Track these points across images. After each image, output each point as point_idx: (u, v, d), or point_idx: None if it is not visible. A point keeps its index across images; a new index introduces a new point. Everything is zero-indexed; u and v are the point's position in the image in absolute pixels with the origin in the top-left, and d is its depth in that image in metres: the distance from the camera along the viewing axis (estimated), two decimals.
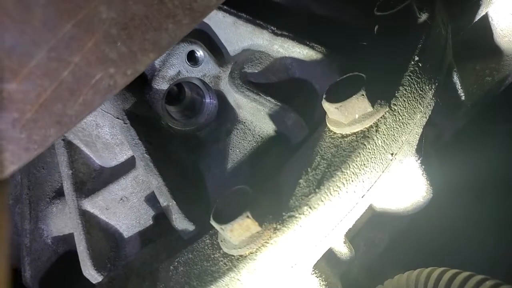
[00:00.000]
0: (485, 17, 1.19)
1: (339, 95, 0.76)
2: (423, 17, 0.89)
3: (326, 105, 0.77)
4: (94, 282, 0.95)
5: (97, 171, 1.01)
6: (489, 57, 1.25)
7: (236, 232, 0.69)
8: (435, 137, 1.03)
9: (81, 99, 0.57)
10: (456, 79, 1.03)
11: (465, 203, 1.03)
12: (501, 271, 0.77)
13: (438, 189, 0.89)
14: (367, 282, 0.90)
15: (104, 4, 0.53)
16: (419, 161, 0.84)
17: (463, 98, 1.09)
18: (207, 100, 1.03)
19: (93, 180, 1.00)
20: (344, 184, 0.72)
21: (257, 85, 0.96)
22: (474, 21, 1.14)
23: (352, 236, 0.89)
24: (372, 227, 0.94)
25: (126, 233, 1.00)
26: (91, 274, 0.93)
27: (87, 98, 0.57)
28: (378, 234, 0.94)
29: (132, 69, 0.58)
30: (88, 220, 0.97)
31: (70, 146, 1.00)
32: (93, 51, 0.55)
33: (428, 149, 0.90)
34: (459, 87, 1.07)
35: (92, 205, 0.98)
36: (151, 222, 0.99)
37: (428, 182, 0.87)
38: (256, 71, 0.97)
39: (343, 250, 0.83)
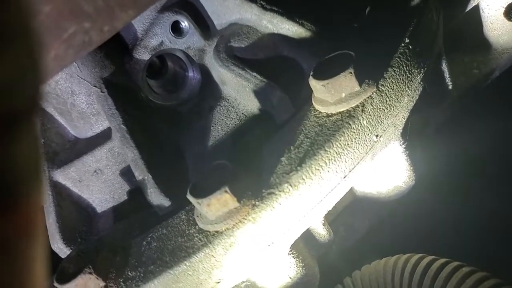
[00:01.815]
0: (477, 9, 1.18)
1: (326, 72, 0.74)
2: (416, 0, 0.87)
3: (313, 82, 0.74)
4: (62, 257, 0.91)
5: (71, 142, 0.97)
6: (478, 49, 1.24)
7: (213, 207, 0.67)
8: (421, 125, 1.02)
9: (52, 53, 0.52)
10: (444, 67, 1.02)
11: (445, 191, 1.03)
12: (477, 258, 0.77)
13: (419, 176, 0.88)
14: (344, 266, 0.90)
15: None
16: (403, 146, 0.83)
17: (450, 88, 1.08)
18: (190, 74, 0.99)
19: (66, 151, 0.96)
20: (326, 163, 0.70)
21: (243, 60, 0.93)
22: (466, 11, 1.13)
23: (331, 220, 0.88)
24: (353, 212, 0.93)
25: (99, 208, 0.96)
26: (60, 248, 0.90)
27: (58, 52, 0.53)
28: (358, 220, 0.93)
29: (109, 25, 0.54)
30: (59, 192, 0.92)
31: (42, 113, 0.95)
32: (67, 2, 0.51)
33: (413, 135, 0.89)
34: (447, 77, 1.06)
35: (64, 177, 0.93)
36: (125, 197, 0.95)
37: (411, 168, 0.86)
38: (243, 46, 0.94)
39: (322, 232, 0.82)
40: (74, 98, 0.91)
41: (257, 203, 0.68)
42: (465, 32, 1.23)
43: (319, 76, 0.74)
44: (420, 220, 1.00)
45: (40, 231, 0.25)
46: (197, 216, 0.72)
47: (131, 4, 0.54)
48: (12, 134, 0.22)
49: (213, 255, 0.68)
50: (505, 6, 1.16)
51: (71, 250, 0.91)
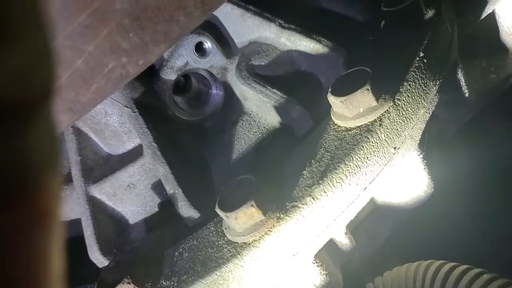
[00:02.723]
0: (492, 14, 1.19)
1: (344, 88, 0.78)
2: (430, 13, 0.90)
3: (331, 98, 0.78)
4: (100, 266, 0.97)
5: (104, 158, 1.04)
6: (495, 54, 1.25)
7: (240, 220, 0.71)
8: (439, 132, 1.04)
9: (93, 87, 0.58)
10: (460, 75, 1.03)
11: (466, 197, 1.04)
12: (499, 265, 0.79)
13: (439, 182, 0.90)
14: (366, 273, 0.92)
15: None
16: (421, 156, 0.86)
17: (467, 94, 1.09)
18: (214, 91, 1.05)
19: (100, 167, 1.02)
20: (347, 176, 0.73)
21: (263, 77, 0.97)
22: (481, 18, 1.14)
23: (353, 228, 0.91)
24: (373, 220, 0.95)
25: (132, 219, 1.02)
26: (98, 258, 0.96)
27: (99, 86, 0.58)
28: (379, 227, 0.96)
29: (143, 59, 0.59)
30: (95, 206, 0.99)
31: (79, 133, 1.02)
32: (107, 40, 0.56)
33: (431, 143, 0.91)
34: (464, 83, 1.08)
35: (100, 191, 1.00)
36: (157, 209, 1.01)
37: (430, 176, 0.89)
38: (263, 63, 0.99)
39: (344, 241, 0.85)
40: (107, 118, 0.98)
41: (281, 215, 0.72)
42: (481, 38, 1.24)
43: (337, 93, 0.78)
44: (441, 226, 1.02)
45: (56, 223, 0.24)
46: (225, 228, 0.77)
47: (163, 38, 0.60)
48: (24, 125, 0.21)
49: (241, 265, 0.73)
50: None
51: (107, 260, 0.97)
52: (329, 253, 0.82)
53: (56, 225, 0.24)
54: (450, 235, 1.00)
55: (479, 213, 1.01)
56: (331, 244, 0.83)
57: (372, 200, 0.93)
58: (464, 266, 0.78)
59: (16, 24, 0.21)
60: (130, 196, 1.00)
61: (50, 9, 0.24)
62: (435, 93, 0.83)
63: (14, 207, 0.21)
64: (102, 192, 1.00)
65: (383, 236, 0.94)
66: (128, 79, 0.60)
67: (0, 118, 0.20)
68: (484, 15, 1.14)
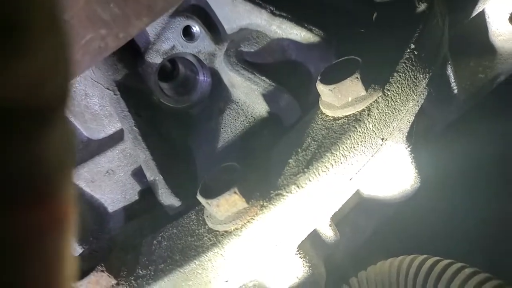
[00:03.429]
0: (482, 14, 1.19)
1: (333, 77, 0.76)
2: (422, 6, 0.89)
3: (320, 87, 0.76)
4: (75, 255, 0.94)
5: (84, 143, 1.00)
6: (483, 54, 1.25)
7: (222, 207, 0.69)
8: (426, 127, 1.03)
9: None
10: (450, 72, 1.03)
11: (450, 193, 1.04)
12: (482, 259, 0.79)
13: (425, 178, 0.89)
14: (350, 267, 0.91)
15: None
16: (408, 149, 0.85)
17: (455, 92, 1.09)
18: (201, 77, 1.02)
19: (79, 151, 0.99)
20: (332, 165, 0.71)
21: (252, 64, 0.95)
22: (471, 16, 1.14)
23: (338, 221, 0.89)
24: (359, 213, 0.94)
25: (111, 207, 0.99)
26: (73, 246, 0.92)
27: (76, 58, 0.55)
28: (364, 220, 0.95)
29: (124, 32, 0.56)
30: None
31: None
32: (85, 10, 0.53)
33: (419, 138, 0.90)
34: (453, 81, 1.08)
35: (77, 177, 0.96)
36: (137, 197, 0.98)
37: (416, 170, 0.88)
38: (252, 50, 0.96)
39: (328, 233, 0.83)
40: (87, 100, 0.94)
41: (265, 203, 0.70)
42: (471, 37, 1.24)
43: (326, 81, 0.76)
44: (425, 220, 1.01)
45: (70, 227, 0.24)
46: (207, 216, 0.75)
47: (146, 11, 0.57)
48: (42, 129, 0.22)
49: (222, 254, 0.70)
50: (510, 12, 1.17)
51: (83, 248, 0.94)
52: (312, 244, 0.81)
53: (71, 228, 0.24)
54: (434, 230, 1.00)
55: (465, 209, 1.01)
56: (315, 236, 0.81)
57: (357, 193, 0.91)
58: (447, 261, 0.78)
59: (36, 29, 0.21)
60: (109, 183, 0.97)
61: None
62: (424, 86, 0.82)
63: (29, 210, 0.21)
64: (80, 177, 0.96)
65: (368, 229, 0.93)
66: (107, 52, 0.57)
67: (18, 121, 0.21)
68: (474, 13, 1.14)
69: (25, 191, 0.21)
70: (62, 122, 0.23)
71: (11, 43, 0.20)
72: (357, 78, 0.74)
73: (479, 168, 1.05)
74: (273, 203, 0.69)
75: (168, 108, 1.01)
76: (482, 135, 1.11)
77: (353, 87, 0.74)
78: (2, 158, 0.20)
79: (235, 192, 0.68)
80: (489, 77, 1.23)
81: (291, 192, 0.69)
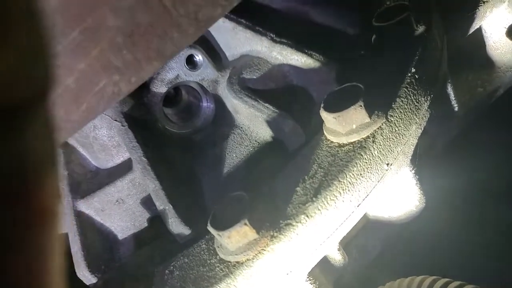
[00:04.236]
0: (479, 30, 1.21)
1: (337, 104, 0.77)
2: (420, 29, 0.91)
3: (324, 114, 0.78)
4: (87, 284, 0.95)
5: (93, 172, 1.01)
6: (482, 68, 1.27)
7: (233, 238, 0.70)
8: (428, 146, 1.05)
9: (84, 106, 0.57)
10: (450, 89, 1.05)
11: (458, 212, 1.05)
12: (490, 280, 0.80)
13: (430, 198, 0.91)
14: None
15: (111, 12, 0.53)
16: (413, 171, 0.86)
17: (455, 108, 1.11)
18: (204, 103, 1.03)
19: (88, 181, 1.00)
20: (340, 193, 0.73)
21: (255, 91, 0.97)
22: (469, 33, 1.16)
23: (345, 243, 0.90)
24: (365, 234, 0.95)
25: (121, 235, 1.00)
26: (85, 275, 0.93)
27: (90, 104, 0.57)
28: (370, 241, 0.96)
29: (136, 76, 0.58)
30: (83, 221, 0.96)
31: (66, 147, 0.99)
32: (98, 58, 0.55)
33: (421, 157, 0.92)
34: (453, 97, 1.09)
35: (87, 206, 0.97)
36: (146, 224, 0.99)
37: (421, 192, 0.89)
38: (254, 77, 0.98)
39: (337, 257, 0.85)
40: (96, 132, 0.96)
41: (275, 234, 0.71)
42: (469, 52, 1.26)
43: (330, 109, 0.77)
44: (433, 241, 1.02)
45: (55, 221, 0.24)
46: (218, 246, 0.76)
47: (156, 55, 0.59)
48: (23, 123, 0.21)
49: (234, 285, 0.71)
50: (507, 26, 1.19)
51: (95, 277, 0.95)
52: (322, 270, 0.82)
53: (56, 222, 0.24)
54: (442, 250, 1.01)
55: (471, 228, 1.02)
56: (324, 261, 0.82)
57: (364, 215, 0.93)
58: (457, 282, 0.79)
59: (10, 21, 0.20)
60: (119, 211, 0.98)
61: (46, 6, 0.22)
62: (426, 108, 0.84)
63: (14, 205, 0.21)
64: (90, 207, 0.97)
65: (374, 250, 0.94)
66: (120, 97, 0.58)
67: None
68: (471, 30, 1.16)
69: (6, 187, 0.21)
70: (43, 117, 0.23)
71: None
72: (361, 106, 0.75)
73: (485, 183, 1.06)
74: (283, 233, 0.70)
75: (173, 135, 1.02)
76: (484, 148, 1.12)
77: (357, 114, 0.76)
78: None
79: (245, 224, 0.69)
80: (488, 91, 1.25)
81: (300, 222, 0.70)
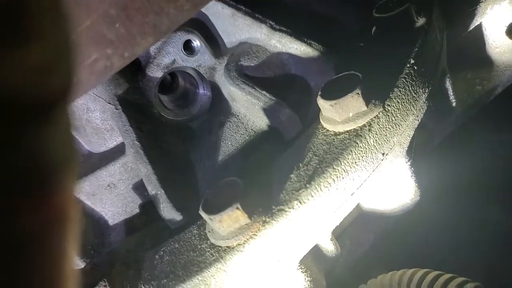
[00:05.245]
0: (479, 27, 1.21)
1: (334, 92, 0.77)
2: (421, 21, 0.90)
3: (321, 102, 0.77)
4: (75, 268, 0.93)
5: (85, 156, 1.00)
6: (480, 66, 1.27)
7: (225, 223, 0.69)
8: (425, 141, 1.04)
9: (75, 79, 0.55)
10: (448, 85, 1.04)
11: (450, 206, 1.05)
12: (481, 272, 0.79)
13: (424, 191, 0.90)
14: (350, 280, 0.91)
15: None
16: (408, 163, 0.85)
17: (453, 104, 1.10)
18: (201, 90, 1.02)
19: (80, 164, 0.99)
20: (334, 180, 0.72)
21: (252, 78, 0.96)
22: (469, 30, 1.16)
23: (338, 234, 0.90)
24: (359, 226, 0.94)
25: (112, 221, 0.99)
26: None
27: (81, 78, 0.56)
28: (364, 234, 0.95)
29: (129, 51, 0.57)
30: None
31: None
32: (91, 30, 0.54)
33: (418, 150, 0.91)
34: (451, 94, 1.09)
35: (78, 190, 0.96)
36: (137, 210, 0.98)
37: (416, 184, 0.88)
38: (252, 64, 0.97)
39: (329, 247, 0.84)
40: (89, 114, 0.94)
41: (267, 219, 0.70)
42: (468, 50, 1.25)
43: (327, 96, 0.76)
44: (426, 233, 1.02)
45: (72, 224, 0.24)
46: (209, 231, 0.75)
47: (151, 31, 0.57)
48: (46, 120, 0.21)
49: (224, 270, 0.70)
50: (507, 25, 1.19)
51: (84, 262, 0.93)
52: (314, 259, 0.81)
53: (72, 224, 0.24)
54: (434, 243, 1.00)
55: (463, 222, 1.02)
56: (316, 250, 0.81)
57: (358, 207, 0.92)
58: (448, 275, 0.78)
59: (37, 21, 0.20)
60: (110, 196, 0.97)
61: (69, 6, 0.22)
62: (424, 100, 0.83)
63: (31, 207, 0.21)
64: (81, 190, 0.96)
65: (367, 242, 0.93)
66: (113, 71, 0.57)
67: (21, 116, 0.20)
68: (471, 27, 1.16)
69: (29, 186, 0.21)
70: (64, 116, 0.22)
71: (11, 31, 0.19)
72: (358, 94, 0.74)
73: (478, 177, 1.06)
74: (275, 218, 0.69)
75: (168, 121, 1.01)
76: (479, 146, 1.12)
77: (354, 102, 0.75)
78: (4, 152, 0.19)
79: (237, 208, 0.68)
80: (486, 89, 1.25)
81: (293, 208, 0.69)
